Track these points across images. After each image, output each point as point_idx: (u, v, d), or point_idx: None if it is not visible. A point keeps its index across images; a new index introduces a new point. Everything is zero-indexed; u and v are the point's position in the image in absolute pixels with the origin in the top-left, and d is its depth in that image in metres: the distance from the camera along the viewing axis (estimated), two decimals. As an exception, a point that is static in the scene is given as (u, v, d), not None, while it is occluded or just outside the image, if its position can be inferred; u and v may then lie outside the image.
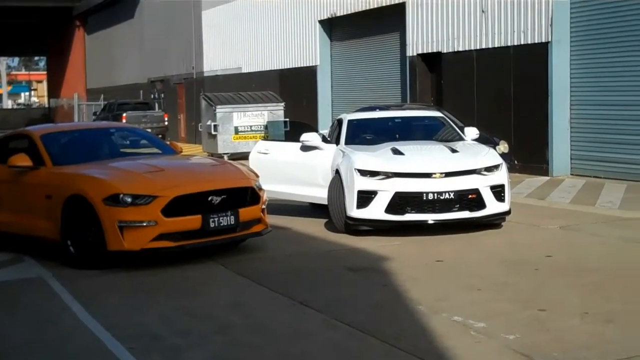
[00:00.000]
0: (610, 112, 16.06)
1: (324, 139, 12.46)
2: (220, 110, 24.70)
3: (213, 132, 24.71)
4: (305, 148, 12.21)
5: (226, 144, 24.67)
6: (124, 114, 33.00)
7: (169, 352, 6.18)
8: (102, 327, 6.86)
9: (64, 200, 9.35)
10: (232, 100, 25.23)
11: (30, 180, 10.03)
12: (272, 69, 28.83)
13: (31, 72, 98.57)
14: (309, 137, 12.20)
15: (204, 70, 34.06)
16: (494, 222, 10.84)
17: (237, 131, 24.77)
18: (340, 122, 12.71)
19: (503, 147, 15.49)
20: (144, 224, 8.91)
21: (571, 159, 16.95)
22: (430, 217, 10.39)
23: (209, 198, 9.24)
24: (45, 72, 73.07)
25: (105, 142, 11.22)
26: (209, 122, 25.02)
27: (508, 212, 10.81)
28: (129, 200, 8.94)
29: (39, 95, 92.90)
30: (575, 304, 7.06)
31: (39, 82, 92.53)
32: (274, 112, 25.06)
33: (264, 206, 9.94)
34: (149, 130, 23.88)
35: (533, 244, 9.90)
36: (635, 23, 15.43)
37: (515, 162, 17.06)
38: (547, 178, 16.54)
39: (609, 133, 16.08)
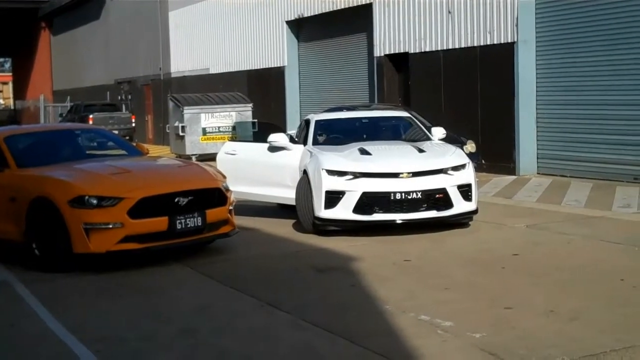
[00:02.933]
0: (576, 112, 16.19)
1: (292, 140, 12.44)
2: (188, 112, 24.60)
3: (181, 133, 24.60)
4: (273, 149, 12.18)
5: (194, 145, 24.57)
6: (91, 116, 32.76)
7: (135, 355, 6.13)
8: (67, 330, 6.79)
9: (28, 203, 9.24)
10: (199, 102, 25.14)
11: (-6, 182, 9.91)
12: (240, 69, 28.74)
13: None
14: (276, 138, 12.17)
15: (171, 72, 33.89)
16: (461, 221, 10.88)
17: (205, 132, 24.69)
18: (307, 122, 12.70)
19: (470, 146, 15.56)
20: (110, 226, 8.83)
21: (538, 158, 17.07)
22: (398, 217, 10.40)
23: (176, 199, 9.18)
24: (10, 74, 72.27)
25: (70, 143, 11.11)
26: (176, 124, 24.91)
27: (475, 212, 10.86)
28: (95, 202, 8.86)
29: (4, 97, 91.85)
30: (541, 302, 7.10)
31: (5, 83, 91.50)
32: (242, 113, 25.01)
33: (231, 207, 9.90)
34: (116, 132, 23.74)
35: (500, 243, 9.95)
36: (599, 23, 15.57)
37: (483, 161, 17.16)
38: (514, 177, 16.65)
39: (575, 132, 16.21)
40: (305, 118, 13.56)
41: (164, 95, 31.27)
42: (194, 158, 22.62)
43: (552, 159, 16.75)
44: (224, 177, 10.15)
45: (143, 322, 7.05)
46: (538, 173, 16.94)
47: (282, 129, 15.30)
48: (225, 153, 13.07)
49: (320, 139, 12.14)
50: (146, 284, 8.47)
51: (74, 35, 47.00)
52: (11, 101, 74.75)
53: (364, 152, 10.98)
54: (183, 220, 9.14)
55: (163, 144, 30.86)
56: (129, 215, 8.86)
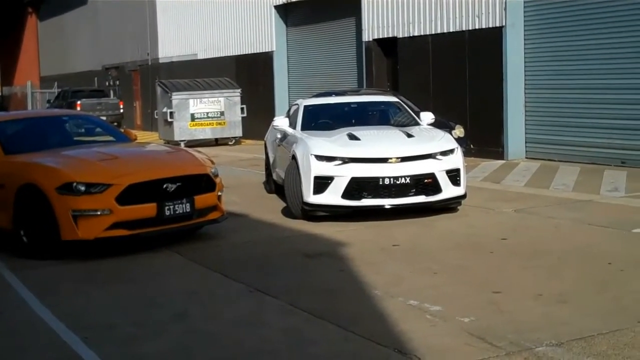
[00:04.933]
0: (564, 96, 16.23)
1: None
2: (176, 97, 24.53)
3: (169, 119, 24.54)
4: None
5: (183, 130, 24.53)
6: (79, 102, 32.66)
7: (124, 342, 6.12)
8: (55, 317, 6.78)
9: (16, 190, 9.20)
10: (188, 87, 25.07)
11: (-19, 169, 9.85)
12: (228, 55, 28.64)
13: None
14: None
15: (159, 57, 33.75)
16: (449, 206, 10.91)
17: (193, 118, 24.64)
18: (296, 107, 12.68)
19: (459, 131, 15.61)
20: (98, 213, 8.81)
21: (526, 142, 17.11)
22: (387, 202, 10.41)
23: (164, 185, 9.16)
24: (-3, 60, 71.77)
25: (58, 130, 11.07)
26: (165, 109, 24.84)
27: (464, 196, 10.88)
28: (83, 188, 8.83)
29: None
30: (530, 285, 7.13)
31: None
32: (231, 98, 24.96)
33: (220, 193, 9.89)
34: (104, 118, 23.73)
35: (488, 228, 9.98)
36: (587, 7, 15.59)
37: (471, 146, 17.17)
38: (502, 162, 16.68)
39: (562, 116, 16.25)
40: (294, 103, 13.57)
41: (152, 81, 31.14)
42: (182, 144, 22.57)
43: (540, 144, 16.80)
44: (213, 162, 10.13)
45: (132, 308, 7.04)
46: (526, 157, 16.98)
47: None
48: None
49: (309, 124, 12.12)
50: (135, 271, 8.47)
51: (61, 20, 46.71)
52: (-2, 87, 74.23)
53: (352, 137, 10.98)
54: (172, 207, 9.12)
55: (151, 130, 30.78)
56: (117, 201, 8.84)
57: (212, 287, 7.71)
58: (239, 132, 25.14)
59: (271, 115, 24.55)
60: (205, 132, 24.89)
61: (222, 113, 24.87)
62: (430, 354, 5.54)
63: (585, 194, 12.05)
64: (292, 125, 12.28)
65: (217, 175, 9.89)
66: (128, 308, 7.05)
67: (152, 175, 9.18)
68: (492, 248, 8.74)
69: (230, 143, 25.07)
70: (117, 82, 38.54)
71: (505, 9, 16.80)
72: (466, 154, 13.39)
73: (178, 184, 9.26)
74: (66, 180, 8.87)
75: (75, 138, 11.12)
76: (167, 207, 9.08)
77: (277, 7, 25.72)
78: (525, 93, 17.03)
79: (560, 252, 8.47)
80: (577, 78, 15.90)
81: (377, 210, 10.50)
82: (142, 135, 24.58)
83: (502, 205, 11.40)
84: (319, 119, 12.40)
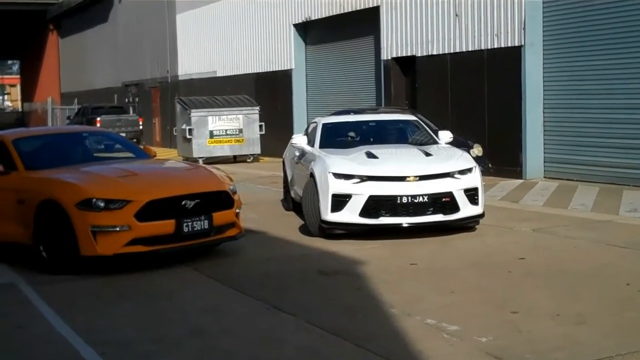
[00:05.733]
0: (583, 115, 16.18)
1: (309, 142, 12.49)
2: (195, 114, 24.65)
3: (188, 136, 24.65)
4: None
5: (201, 147, 24.63)
6: (98, 118, 32.83)
7: (141, 358, 6.15)
8: (74, 332, 6.81)
9: (36, 205, 9.27)
10: (207, 104, 25.20)
11: (2, 185, 9.94)
12: (247, 72, 28.79)
13: (4, 76, 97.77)
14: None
15: (178, 74, 33.96)
16: (467, 225, 10.88)
17: (212, 135, 24.74)
18: (315, 125, 12.73)
19: (477, 150, 15.61)
20: (117, 229, 8.86)
21: (544, 162, 17.06)
22: (405, 221, 10.40)
23: (183, 202, 9.20)
24: (18, 76, 72.50)
25: (78, 146, 11.15)
26: (183, 126, 24.96)
27: (482, 215, 10.86)
28: (102, 204, 8.89)
29: (12, 100, 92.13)
30: (548, 305, 7.10)
31: (12, 86, 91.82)
32: (250, 115, 25.06)
33: (238, 210, 9.92)
34: (124, 134, 23.85)
35: (506, 247, 9.95)
36: (607, 26, 15.57)
37: (489, 165, 17.13)
38: (520, 181, 16.64)
39: (582, 136, 16.20)
40: (312, 121, 13.62)
41: (172, 98, 31.33)
42: (201, 161, 22.66)
43: (559, 163, 16.74)
44: (231, 180, 10.17)
45: (150, 324, 7.07)
46: (545, 177, 16.92)
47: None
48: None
49: (327, 142, 12.15)
50: (153, 287, 8.50)
51: (82, 37, 47.14)
52: (19, 103, 74.95)
53: (370, 155, 10.99)
54: (190, 223, 9.16)
55: (170, 147, 30.91)
56: (136, 218, 8.89)
57: (229, 304, 7.73)
58: (257, 150, 25.22)
59: (289, 132, 24.62)
60: (224, 149, 24.99)
61: (240, 130, 24.97)
62: (447, 373, 5.53)
63: (604, 214, 12.00)
64: (311, 143, 12.31)
65: (235, 192, 9.93)
66: (145, 324, 7.08)
67: (171, 192, 9.22)
68: (510, 267, 8.71)
69: (248, 160, 25.15)
70: (137, 99, 38.79)
71: (524, 28, 16.80)
72: (484, 173, 13.37)
73: (196, 200, 9.29)
74: (86, 196, 8.93)
75: (94, 154, 11.19)
76: (185, 224, 9.12)
77: (296, 26, 25.84)
78: (544, 112, 17.00)
79: (578, 272, 8.44)
80: (597, 98, 15.86)
81: (395, 229, 10.50)
82: (161, 152, 24.69)
83: (520, 225, 11.37)
84: (337, 137, 12.43)
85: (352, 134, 12.66)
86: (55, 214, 9.08)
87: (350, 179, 10.50)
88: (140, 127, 34.15)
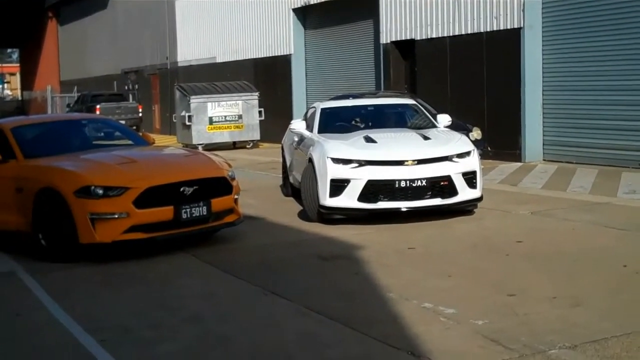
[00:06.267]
0: (582, 98, 16.18)
1: (308, 127, 12.48)
2: (195, 101, 24.64)
3: (187, 123, 24.65)
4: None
5: (201, 134, 24.64)
6: (98, 106, 32.90)
7: (141, 344, 6.17)
8: (73, 320, 6.84)
9: (35, 193, 9.28)
10: (206, 91, 25.18)
11: (0, 173, 9.96)
12: (247, 58, 28.76)
13: (4, 65, 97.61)
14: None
15: (177, 61, 33.93)
16: (465, 208, 10.90)
17: (211, 121, 24.75)
18: (313, 110, 12.73)
19: (476, 133, 15.61)
20: (116, 216, 8.88)
21: (544, 144, 17.07)
22: (403, 205, 10.42)
23: (181, 189, 9.21)
24: (18, 65, 72.36)
25: (77, 134, 11.16)
26: (183, 113, 24.96)
27: (480, 199, 10.87)
28: (101, 192, 8.90)
29: (12, 88, 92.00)
30: (544, 288, 7.12)
31: (12, 74, 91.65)
32: (249, 101, 25.05)
33: (236, 196, 9.93)
34: (123, 121, 23.84)
35: (504, 230, 9.98)
36: (606, 8, 15.54)
37: (489, 148, 17.14)
38: (519, 164, 16.65)
39: (581, 118, 16.20)
40: (311, 106, 13.61)
41: (171, 85, 31.31)
42: (200, 147, 22.67)
43: (558, 146, 16.75)
44: (230, 166, 10.18)
45: (149, 311, 7.10)
46: (544, 160, 16.93)
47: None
48: None
49: (326, 127, 12.16)
50: (152, 274, 8.52)
51: (81, 25, 47.06)
52: (18, 92, 74.86)
53: (369, 139, 11.00)
54: (188, 210, 9.18)
55: (170, 134, 30.89)
56: (134, 205, 8.91)
57: (228, 290, 7.76)
58: (256, 135, 25.23)
59: (289, 118, 24.59)
60: (223, 136, 25.00)
61: (240, 116, 24.97)
62: (443, 356, 5.55)
63: (602, 197, 12.01)
64: (309, 128, 12.32)
65: (234, 179, 9.94)
66: (144, 311, 7.11)
67: (170, 179, 9.23)
68: (507, 251, 8.73)
69: (248, 146, 25.17)
70: (136, 86, 38.77)
71: (523, 10, 16.77)
72: (483, 156, 13.39)
73: (195, 187, 9.30)
74: (84, 183, 8.94)
75: (93, 142, 11.19)
76: (184, 210, 9.14)
77: (295, 10, 25.80)
78: (543, 95, 16.99)
79: (575, 254, 8.46)
80: (596, 80, 15.84)
81: (393, 213, 10.51)
82: (160, 139, 24.71)
83: (518, 208, 11.39)
84: (336, 122, 12.43)
85: (357, 119, 12.63)
86: (54, 202, 9.10)
87: (348, 163, 10.51)
88: (140, 114, 34.19)
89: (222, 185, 9.72)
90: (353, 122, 12.49)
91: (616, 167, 14.92)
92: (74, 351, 6.11)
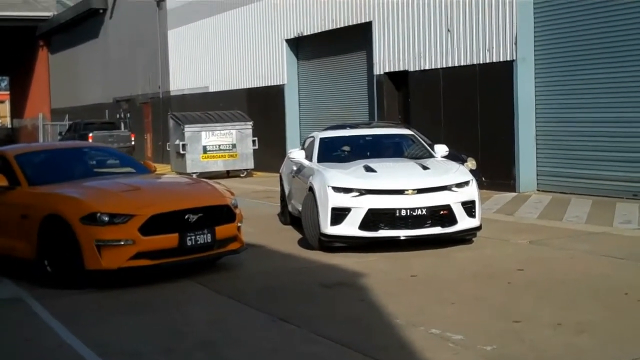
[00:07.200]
0: (575, 129, 16.39)
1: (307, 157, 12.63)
2: (189, 130, 24.76)
3: (182, 152, 24.75)
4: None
5: (195, 163, 24.72)
6: (90, 134, 32.92)
7: (153, 369, 6.26)
8: (84, 345, 6.91)
9: (40, 220, 9.36)
10: (200, 120, 25.32)
11: (5, 200, 10.05)
12: (240, 87, 28.94)
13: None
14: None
15: (170, 90, 34.08)
16: (465, 237, 11.04)
17: (205, 150, 24.85)
18: (312, 139, 12.88)
19: (471, 164, 15.74)
20: (122, 243, 8.97)
21: (537, 175, 17.25)
22: (403, 233, 10.54)
23: (186, 216, 9.32)
24: (7, 92, 72.39)
25: (79, 161, 11.25)
26: (177, 142, 25.06)
27: (479, 228, 11.02)
28: (106, 219, 8.99)
29: (1, 116, 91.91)
30: (548, 315, 7.25)
31: (2, 102, 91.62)
32: (243, 130, 25.19)
33: (239, 224, 10.04)
34: (117, 149, 23.84)
35: (504, 258, 10.11)
36: (598, 41, 15.79)
37: (483, 178, 17.30)
38: (514, 194, 16.81)
39: (574, 149, 16.40)
40: (309, 135, 13.76)
41: (164, 114, 31.44)
42: (194, 176, 22.72)
43: (551, 176, 16.93)
44: (232, 194, 10.30)
45: (158, 336, 7.17)
46: (538, 190, 17.11)
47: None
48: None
49: (325, 156, 12.30)
50: (158, 300, 8.59)
51: (72, 53, 47.21)
52: (8, 120, 74.78)
53: (368, 169, 11.14)
54: (193, 237, 9.28)
55: (162, 162, 30.97)
56: (140, 232, 9.00)
57: (235, 317, 7.84)
58: (250, 164, 25.35)
59: (283, 147, 24.80)
60: (217, 164, 25.10)
61: (233, 145, 25.11)
62: (454, 381, 5.66)
63: (598, 226, 12.17)
64: (308, 157, 12.46)
65: (236, 206, 10.05)
66: (153, 336, 7.18)
67: (174, 206, 9.34)
68: (509, 279, 8.86)
69: (241, 175, 25.27)
70: (128, 115, 38.87)
71: (515, 43, 17.02)
72: (478, 186, 13.50)
73: (199, 214, 9.41)
74: (90, 210, 9.03)
75: (95, 170, 11.29)
76: (189, 238, 9.23)
77: (288, 41, 26.02)
78: (536, 126, 17.20)
79: (576, 282, 8.59)
80: (589, 111, 16.07)
81: (394, 241, 10.64)
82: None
83: (516, 237, 11.53)
84: (335, 152, 12.58)
85: (347, 148, 12.82)
86: (60, 229, 9.18)
87: (349, 192, 10.64)
88: (132, 142, 34.24)
89: (226, 213, 9.83)
90: (344, 150, 12.65)
91: (610, 198, 15.10)
92: (88, 375, 6.18)
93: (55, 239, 9.23)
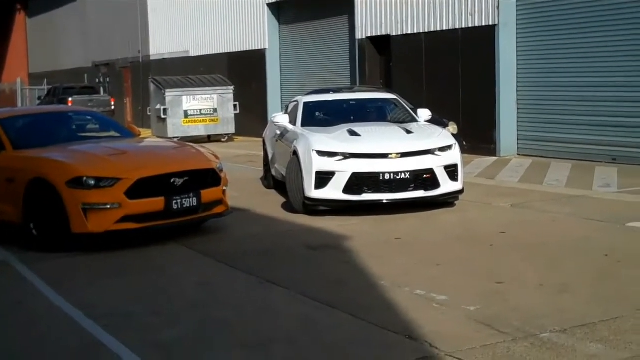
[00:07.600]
0: (555, 94, 16.52)
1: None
2: (170, 94, 24.70)
3: (163, 116, 24.71)
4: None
5: (176, 127, 24.70)
6: (70, 99, 32.72)
7: (143, 329, 6.32)
8: (73, 307, 6.97)
9: (26, 184, 9.38)
10: (181, 84, 25.24)
11: (-10, 164, 10.04)
12: (221, 52, 28.82)
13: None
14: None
15: (150, 54, 33.88)
16: (447, 200, 11.16)
17: (186, 115, 24.81)
18: (295, 104, 12.91)
19: (452, 128, 15.83)
20: (108, 206, 9.02)
21: (518, 139, 17.40)
22: (387, 197, 10.65)
23: (172, 180, 9.38)
24: (-16, 57, 71.59)
25: (64, 126, 11.26)
26: (158, 106, 25.01)
27: (461, 191, 11.14)
28: (93, 182, 9.03)
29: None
30: (531, 276, 7.39)
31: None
32: (224, 95, 25.14)
33: (225, 188, 10.11)
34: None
35: (486, 221, 10.24)
36: (579, 6, 15.87)
37: (464, 143, 17.39)
38: (495, 158, 16.97)
39: (554, 114, 16.54)
40: (293, 100, 13.78)
41: (144, 78, 31.28)
42: (176, 140, 22.69)
43: (532, 140, 17.09)
44: (218, 158, 10.35)
45: (147, 298, 7.25)
46: (518, 154, 17.27)
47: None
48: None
49: (309, 120, 12.35)
50: (145, 263, 8.67)
51: (50, 17, 46.73)
52: (-15, 84, 73.96)
53: (353, 133, 11.21)
54: (179, 201, 9.34)
55: (143, 127, 30.82)
56: (126, 195, 9.05)
57: (222, 279, 7.94)
58: (231, 129, 25.35)
59: (264, 112, 24.82)
60: (198, 129, 25.08)
61: (215, 110, 25.07)
62: (440, 340, 5.77)
63: (578, 190, 12.34)
64: (292, 121, 12.51)
65: (222, 170, 10.11)
66: (142, 298, 7.26)
67: (160, 170, 9.39)
68: (491, 241, 9.00)
69: (222, 140, 25.27)
70: (108, 79, 38.63)
71: (498, 7, 17.08)
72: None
73: (185, 178, 9.48)
74: (76, 174, 9.07)
75: (80, 134, 11.29)
76: (174, 201, 9.30)
77: (269, 5, 25.92)
78: (517, 91, 17.32)
79: (558, 244, 8.74)
80: (569, 76, 16.19)
81: (377, 205, 10.74)
82: (135, 132, 24.64)
83: (498, 200, 11.67)
84: (319, 116, 12.63)
85: (322, 112, 12.85)
86: (46, 192, 9.21)
87: (333, 156, 10.72)
88: (112, 107, 34.07)
89: (211, 177, 9.90)
90: (328, 114, 12.69)
91: (589, 162, 15.28)
92: (79, 336, 6.24)
93: (41, 203, 9.26)
